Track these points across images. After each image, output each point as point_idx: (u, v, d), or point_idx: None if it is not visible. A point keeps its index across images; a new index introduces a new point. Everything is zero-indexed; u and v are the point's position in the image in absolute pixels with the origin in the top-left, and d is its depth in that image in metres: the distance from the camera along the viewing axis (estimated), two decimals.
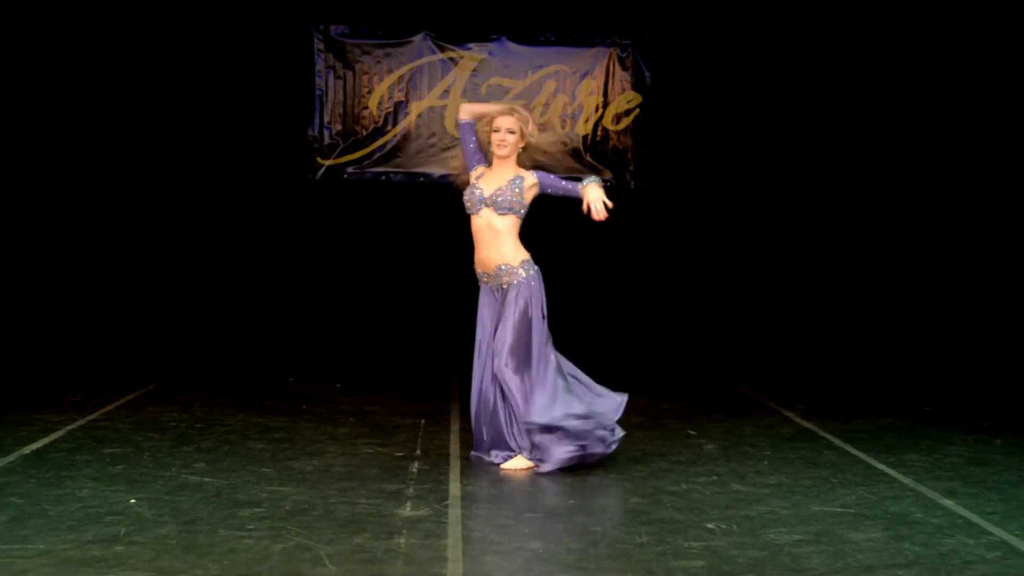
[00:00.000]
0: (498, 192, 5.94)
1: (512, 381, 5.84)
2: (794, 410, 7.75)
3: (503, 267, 5.95)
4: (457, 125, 6.22)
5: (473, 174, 6.08)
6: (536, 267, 6.01)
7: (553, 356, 5.96)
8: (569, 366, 6.06)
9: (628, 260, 11.40)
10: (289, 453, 6.20)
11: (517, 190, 5.95)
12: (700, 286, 11.40)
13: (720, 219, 11.40)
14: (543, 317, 5.97)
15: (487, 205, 5.96)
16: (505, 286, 5.96)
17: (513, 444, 5.94)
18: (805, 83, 11.19)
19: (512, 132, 5.98)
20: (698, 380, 9.37)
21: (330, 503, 5.14)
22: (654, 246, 11.43)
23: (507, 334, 5.86)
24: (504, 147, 5.98)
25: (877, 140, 11.15)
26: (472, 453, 6.10)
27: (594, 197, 5.83)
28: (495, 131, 5.99)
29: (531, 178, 5.99)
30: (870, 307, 11.20)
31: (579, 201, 5.88)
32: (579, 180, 5.95)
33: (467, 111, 6.14)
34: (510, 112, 6.03)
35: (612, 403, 6.06)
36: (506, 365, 5.83)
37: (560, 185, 5.99)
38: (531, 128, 6.01)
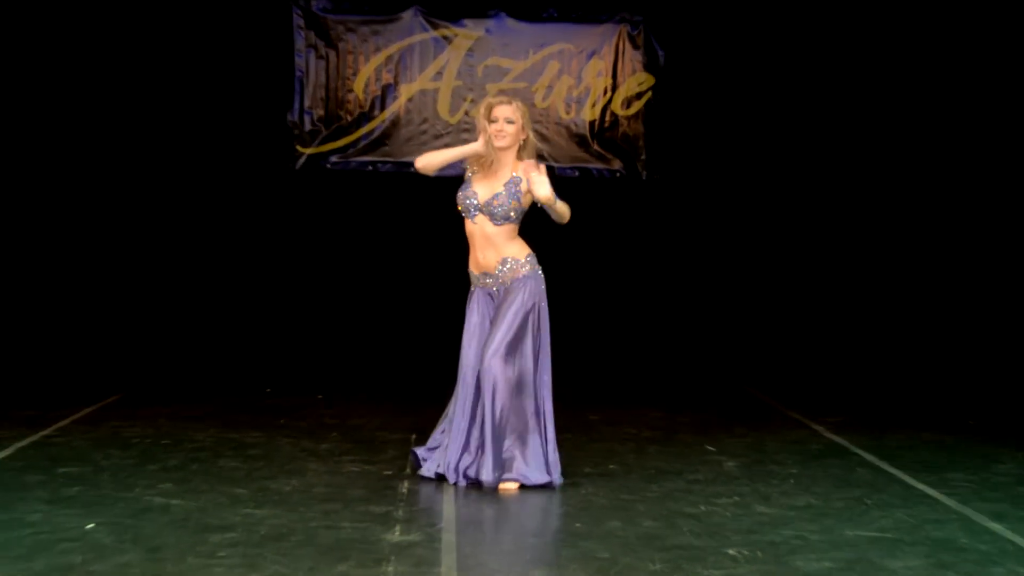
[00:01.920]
0: (494, 200, 5.96)
1: (501, 374, 5.82)
2: (823, 423, 7.74)
3: (506, 260, 5.99)
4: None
5: (467, 171, 6.12)
6: (540, 267, 6.03)
7: (548, 379, 5.99)
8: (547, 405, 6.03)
9: (639, 258, 11.38)
10: (265, 472, 6.17)
11: (514, 199, 5.96)
12: (717, 286, 11.37)
13: (739, 213, 11.37)
14: (548, 324, 6.00)
15: (482, 212, 5.99)
16: (507, 283, 5.98)
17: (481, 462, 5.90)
18: (835, 61, 11.15)
19: (511, 122, 5.99)
20: (716, 390, 9.36)
21: (311, 527, 5.10)
22: (667, 242, 11.41)
23: (502, 327, 5.88)
24: (503, 138, 5.99)
25: (920, 129, 11.10)
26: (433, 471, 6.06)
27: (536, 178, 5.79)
28: (492, 121, 6.00)
29: (528, 182, 5.96)
30: (905, 307, 11.17)
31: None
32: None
33: (425, 167, 6.11)
34: (508, 100, 6.04)
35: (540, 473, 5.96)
36: (495, 355, 5.83)
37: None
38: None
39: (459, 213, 6.08)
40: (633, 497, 5.77)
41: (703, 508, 5.55)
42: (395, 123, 11.30)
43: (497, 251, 5.99)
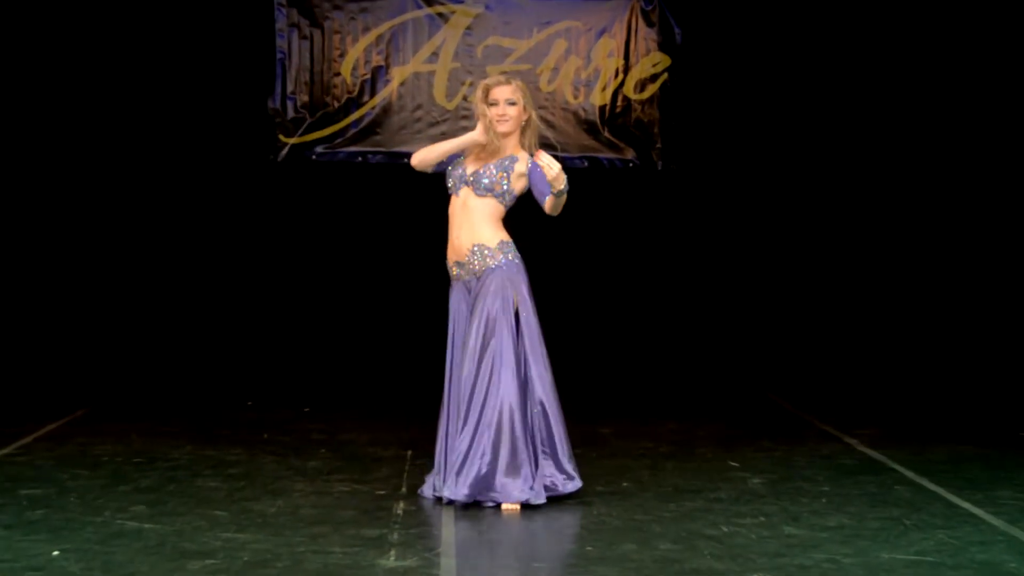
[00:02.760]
0: (483, 170, 6.01)
1: (495, 387, 5.91)
2: (857, 436, 7.74)
3: (476, 249, 6.01)
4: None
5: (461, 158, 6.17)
6: (519, 255, 6.06)
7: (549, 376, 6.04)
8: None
9: (654, 255, 11.38)
10: (248, 493, 6.18)
11: (505, 173, 6.00)
12: (739, 286, 11.37)
13: (762, 206, 11.37)
14: (535, 314, 6.02)
15: (466, 184, 6.04)
16: (479, 274, 6.01)
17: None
18: (869, 35, 11.14)
19: (513, 103, 6.03)
20: (739, 399, 9.35)
21: (298, 552, 5.11)
22: (684, 238, 11.41)
23: (480, 328, 5.92)
24: (506, 122, 6.02)
25: (971, 114, 11.10)
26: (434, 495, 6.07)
27: (546, 160, 5.78)
28: (492, 104, 6.03)
29: (524, 165, 6.01)
30: (948, 306, 11.16)
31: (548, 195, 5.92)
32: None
33: (423, 161, 6.14)
34: (507, 80, 6.08)
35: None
36: (482, 369, 5.93)
37: (542, 188, 5.93)
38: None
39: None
40: (649, 517, 5.77)
41: (725, 529, 5.54)
42: (386, 110, 11.31)
43: (471, 231, 6.01)
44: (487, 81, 6.11)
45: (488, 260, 6.00)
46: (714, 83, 11.34)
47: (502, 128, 6.01)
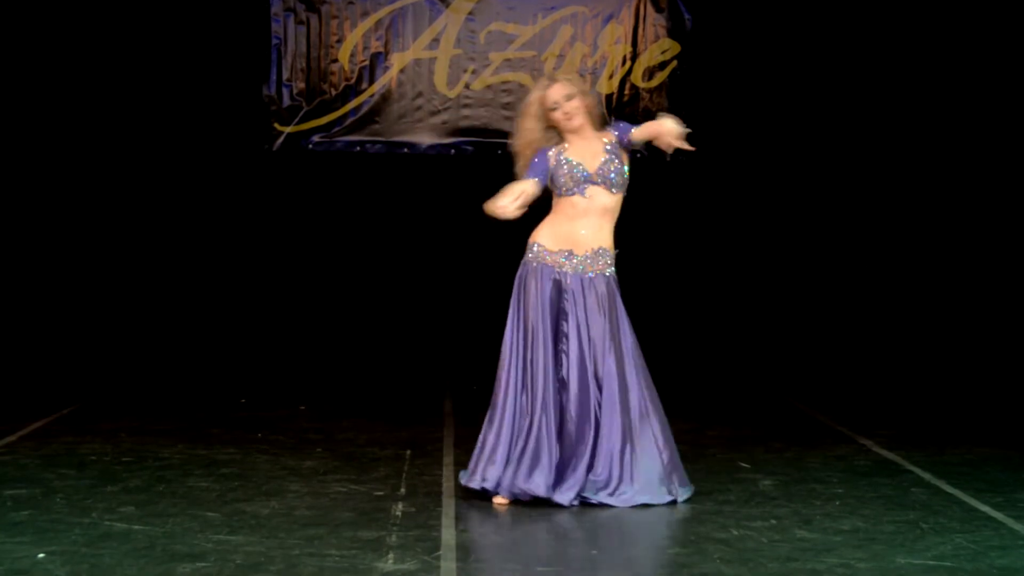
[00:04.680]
0: (607, 165, 6.09)
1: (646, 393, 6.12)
2: (873, 437, 7.74)
3: (602, 251, 6.12)
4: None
5: (552, 153, 6.15)
6: None
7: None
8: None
9: (663, 249, 11.36)
10: (241, 493, 6.17)
11: (618, 161, 6.13)
12: (750, 281, 11.37)
13: (774, 199, 11.36)
14: None
15: (595, 183, 6.09)
16: (593, 274, 6.09)
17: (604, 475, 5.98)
18: (887, 24, 11.13)
19: (570, 97, 6.12)
20: (750, 399, 9.35)
21: (292, 555, 5.10)
22: (695, 232, 11.40)
23: (626, 334, 6.13)
24: (573, 118, 6.12)
25: (977, 114, 11.10)
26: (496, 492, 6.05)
27: (669, 127, 6.01)
28: (552, 110, 6.13)
29: (613, 137, 6.17)
30: (968, 307, 11.15)
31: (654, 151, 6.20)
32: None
33: (515, 212, 6.00)
34: (550, 82, 6.18)
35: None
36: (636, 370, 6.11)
37: (632, 132, 6.15)
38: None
39: (562, 191, 6.11)
40: (656, 520, 5.78)
41: (735, 532, 5.54)
42: (386, 97, 11.30)
43: (598, 233, 6.11)
44: (536, 95, 6.19)
45: (607, 266, 6.12)
46: (725, 71, 11.32)
47: (571, 126, 6.11)
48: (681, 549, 5.30)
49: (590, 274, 6.10)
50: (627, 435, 5.99)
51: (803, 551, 5.27)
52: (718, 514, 5.86)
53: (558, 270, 6.09)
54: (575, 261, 6.10)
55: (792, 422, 8.41)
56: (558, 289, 6.09)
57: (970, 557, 5.21)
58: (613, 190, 6.10)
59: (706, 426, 8.16)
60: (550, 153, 6.14)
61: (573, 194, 6.09)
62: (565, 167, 6.09)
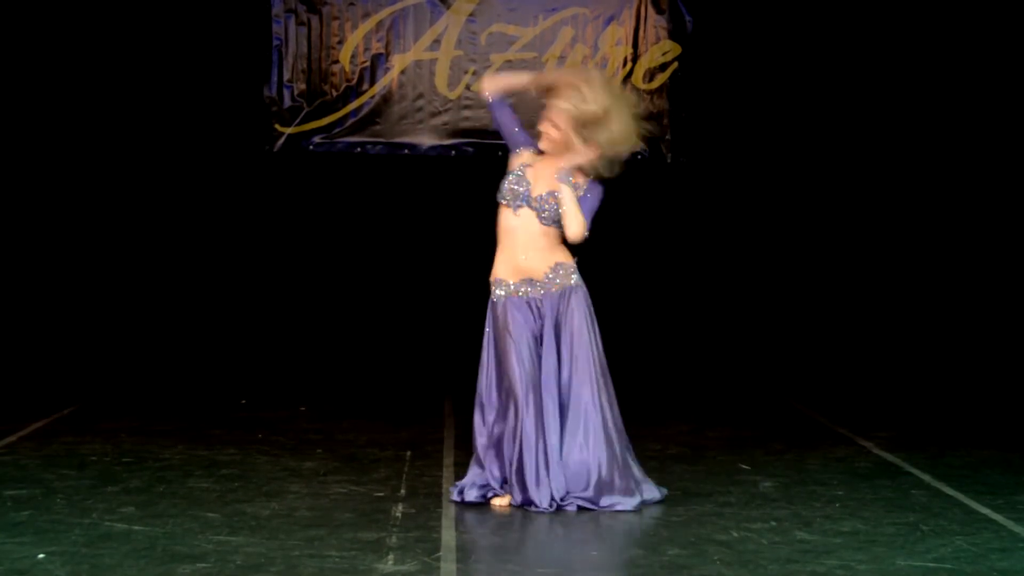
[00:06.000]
0: (547, 199, 5.93)
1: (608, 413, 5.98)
2: (873, 439, 7.73)
3: (559, 266, 6.02)
4: (488, 104, 6.14)
5: (517, 159, 6.07)
6: None
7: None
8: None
9: (663, 252, 11.37)
10: (241, 494, 6.18)
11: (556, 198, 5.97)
12: (750, 283, 11.36)
13: (775, 201, 11.36)
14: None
15: (530, 207, 5.97)
16: (556, 291, 6.00)
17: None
18: (889, 25, 11.13)
19: (557, 127, 5.92)
20: (751, 401, 9.35)
21: (292, 556, 5.10)
22: (695, 234, 11.40)
23: (591, 352, 6.00)
24: (544, 137, 5.98)
25: (982, 114, 11.10)
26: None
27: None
28: (543, 108, 6.00)
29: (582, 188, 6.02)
30: (969, 309, 11.15)
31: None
32: None
33: (492, 87, 6.08)
34: (566, 92, 5.90)
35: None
36: (597, 393, 5.97)
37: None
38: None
39: (497, 200, 6.05)
40: (656, 522, 5.77)
41: (735, 534, 5.54)
42: (386, 99, 11.30)
43: (542, 255, 5.99)
44: (525, 82, 6.16)
45: (568, 278, 6.04)
46: (726, 72, 11.33)
47: (543, 142, 6.00)
48: (681, 551, 5.29)
49: (555, 292, 6.00)
50: (584, 443, 5.95)
51: (803, 553, 5.26)
52: (718, 516, 5.86)
53: (526, 299, 6.02)
54: (537, 285, 6.00)
55: (792, 424, 8.41)
56: (529, 310, 6.01)
57: (970, 559, 5.21)
58: (543, 221, 5.96)
59: (706, 428, 8.16)
60: (521, 152, 6.06)
61: (508, 206, 5.99)
62: (513, 178, 6.02)
